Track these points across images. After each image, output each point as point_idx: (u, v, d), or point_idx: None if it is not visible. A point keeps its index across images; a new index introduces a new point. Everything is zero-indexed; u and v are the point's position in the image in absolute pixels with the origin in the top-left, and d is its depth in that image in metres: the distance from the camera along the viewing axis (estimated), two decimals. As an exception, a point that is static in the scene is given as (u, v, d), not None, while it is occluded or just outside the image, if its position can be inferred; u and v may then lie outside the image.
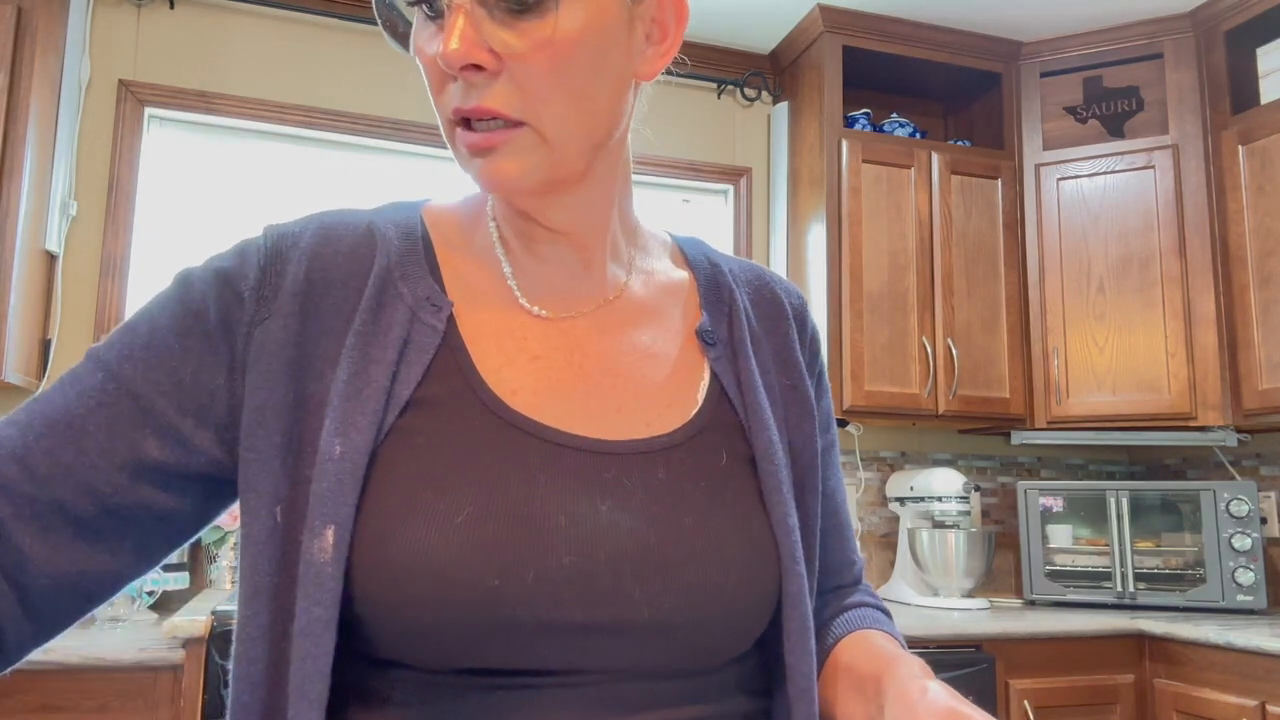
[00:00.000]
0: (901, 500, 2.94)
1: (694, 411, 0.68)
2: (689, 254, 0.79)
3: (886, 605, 0.81)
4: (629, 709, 0.60)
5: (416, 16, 0.61)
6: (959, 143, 3.12)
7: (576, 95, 0.60)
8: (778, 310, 0.78)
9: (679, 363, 0.71)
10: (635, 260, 0.74)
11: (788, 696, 0.65)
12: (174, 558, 1.69)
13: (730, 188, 3.19)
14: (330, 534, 0.56)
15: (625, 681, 0.60)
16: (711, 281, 0.76)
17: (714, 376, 0.71)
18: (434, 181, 2.88)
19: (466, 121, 0.60)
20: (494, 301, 0.68)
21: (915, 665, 0.63)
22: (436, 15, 0.60)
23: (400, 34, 0.65)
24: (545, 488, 0.60)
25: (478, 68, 0.58)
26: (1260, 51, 2.81)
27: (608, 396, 0.66)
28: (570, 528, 0.59)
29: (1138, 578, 2.72)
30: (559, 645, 0.58)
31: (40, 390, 2.33)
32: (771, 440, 0.68)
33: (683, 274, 0.77)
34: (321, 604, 0.55)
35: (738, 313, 0.74)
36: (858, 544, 0.83)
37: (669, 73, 0.69)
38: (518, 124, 0.60)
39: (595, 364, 0.68)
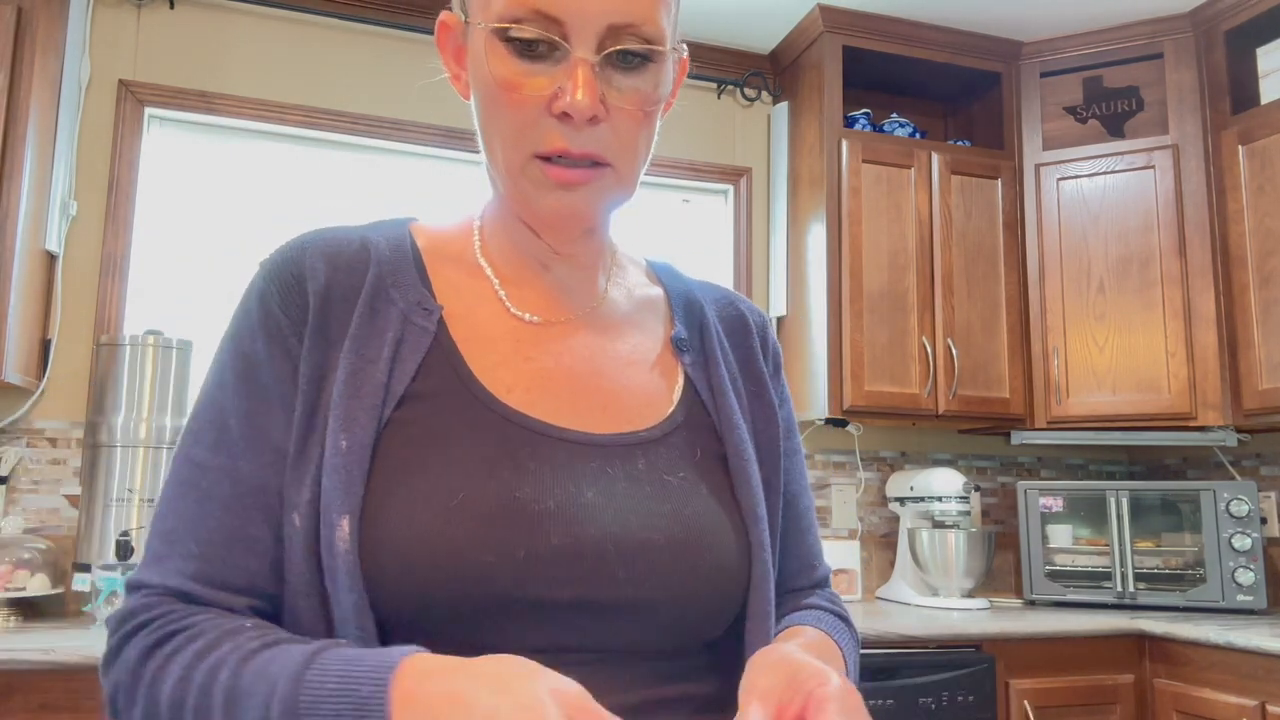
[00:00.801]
0: (901, 500, 2.94)
1: (670, 411, 0.74)
2: (661, 275, 0.86)
3: (847, 611, 0.83)
4: (614, 688, 0.63)
5: (500, 50, 0.65)
6: (959, 143, 3.12)
7: (648, 143, 0.70)
8: (743, 326, 0.84)
9: (656, 367, 0.77)
10: (615, 276, 0.81)
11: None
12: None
13: (730, 188, 3.19)
14: (346, 523, 0.61)
15: (610, 662, 0.64)
16: (684, 298, 0.83)
17: (688, 380, 0.77)
18: (434, 181, 2.87)
19: (546, 156, 0.66)
20: (485, 309, 0.73)
21: (800, 639, 0.67)
22: (539, 58, 0.64)
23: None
24: (534, 475, 0.65)
25: (594, 118, 0.64)
26: (1260, 51, 2.81)
27: (594, 396, 0.72)
28: (558, 511, 0.63)
29: (1138, 578, 2.72)
30: (549, 623, 0.62)
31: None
32: (742, 439, 0.74)
33: (657, 290, 0.83)
34: (353, 590, 0.60)
35: (708, 326, 0.81)
36: (824, 550, 0.86)
37: None
38: (604, 165, 0.67)
39: (583, 365, 0.73)
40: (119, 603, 2.07)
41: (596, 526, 0.64)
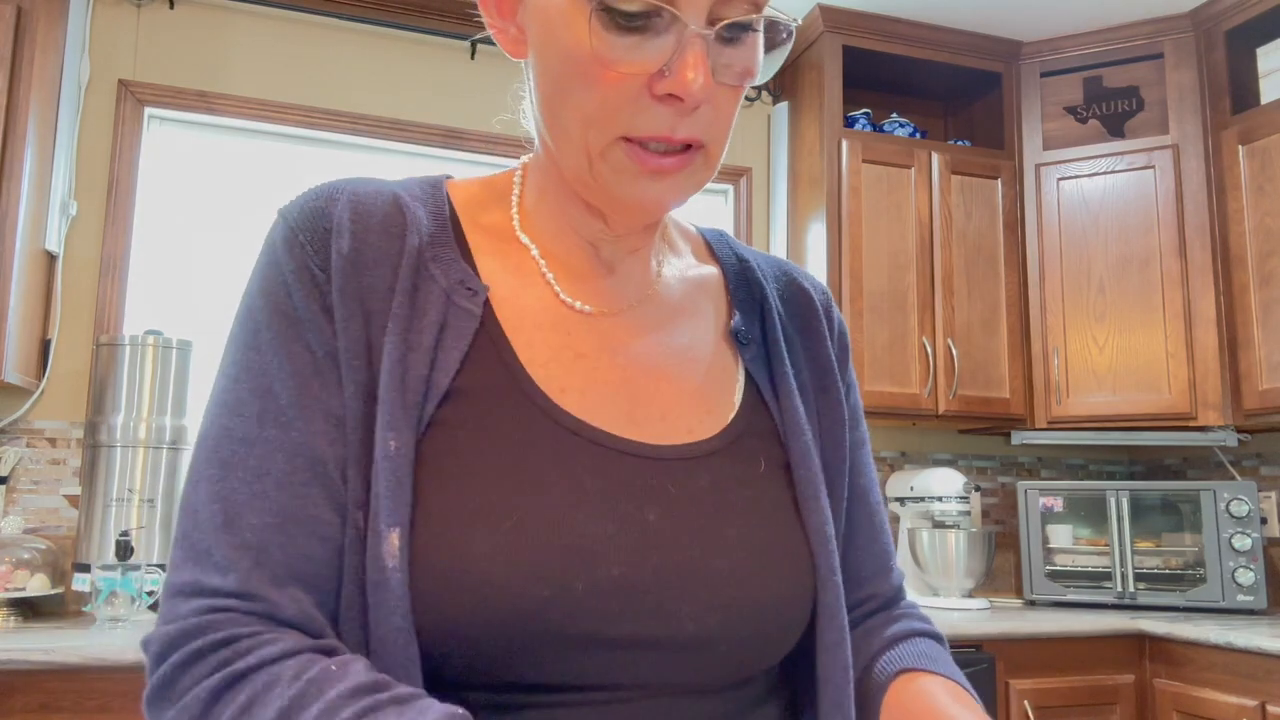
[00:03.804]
0: (901, 500, 2.94)
1: (731, 416, 0.67)
2: (716, 249, 0.77)
3: (938, 629, 0.74)
4: None
5: (594, 18, 0.55)
6: (959, 143, 3.12)
7: (735, 115, 0.61)
8: (807, 306, 0.76)
9: (714, 364, 0.69)
10: (667, 255, 0.73)
11: (819, 710, 0.64)
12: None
13: (730, 188, 3.19)
14: (395, 537, 0.54)
15: (663, 697, 0.59)
16: (741, 278, 0.74)
17: (749, 378, 0.69)
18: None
19: (638, 139, 0.57)
20: (532, 293, 0.65)
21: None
22: (639, 30, 0.55)
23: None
24: (593, 494, 0.58)
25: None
26: (1260, 51, 2.81)
27: (652, 401, 0.65)
28: (619, 537, 0.57)
29: (1138, 578, 2.72)
30: (602, 660, 0.57)
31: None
32: (806, 445, 0.67)
33: (712, 269, 0.75)
34: (398, 612, 0.53)
35: (770, 311, 0.73)
36: (895, 550, 0.78)
37: None
38: (698, 148, 0.59)
39: (638, 365, 0.66)
40: (118, 602, 2.07)
41: (660, 555, 0.58)
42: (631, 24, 0.55)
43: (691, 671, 0.59)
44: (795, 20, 0.61)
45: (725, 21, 0.56)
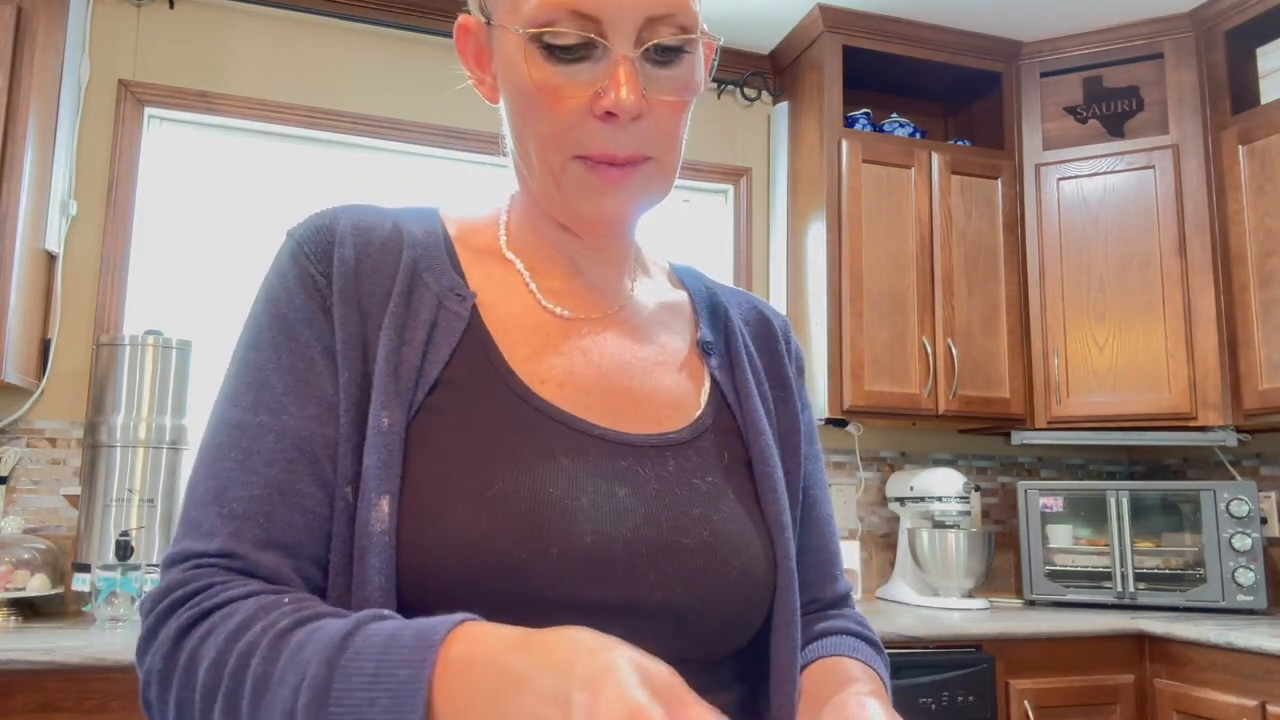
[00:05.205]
0: (901, 500, 2.94)
1: (697, 414, 0.73)
2: (685, 279, 0.85)
3: (876, 635, 0.80)
4: None
5: (536, 54, 0.63)
6: (959, 143, 3.12)
7: (684, 131, 0.69)
8: (768, 330, 0.84)
9: (683, 368, 0.76)
10: (641, 277, 0.80)
11: (769, 687, 0.68)
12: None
13: (730, 188, 3.19)
14: (385, 504, 0.59)
15: None
16: (708, 302, 0.82)
17: (714, 384, 0.76)
18: (434, 181, 2.87)
19: (589, 157, 0.65)
20: (516, 300, 0.72)
21: (867, 685, 0.65)
22: (577, 59, 0.63)
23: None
24: (568, 470, 0.64)
25: (638, 115, 0.64)
26: (1260, 51, 2.81)
27: (625, 395, 0.71)
28: (591, 509, 0.63)
29: (1138, 578, 2.72)
30: (576, 624, 0.59)
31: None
32: (767, 445, 0.74)
33: (681, 294, 0.83)
34: (382, 573, 0.58)
35: (733, 329, 0.80)
36: (844, 566, 0.85)
37: None
38: (647, 159, 0.66)
39: (613, 364, 0.72)
40: (118, 602, 2.07)
41: (629, 527, 0.63)
42: (570, 56, 0.63)
43: (664, 643, 0.62)
44: (719, 39, 0.70)
45: (652, 43, 0.63)
